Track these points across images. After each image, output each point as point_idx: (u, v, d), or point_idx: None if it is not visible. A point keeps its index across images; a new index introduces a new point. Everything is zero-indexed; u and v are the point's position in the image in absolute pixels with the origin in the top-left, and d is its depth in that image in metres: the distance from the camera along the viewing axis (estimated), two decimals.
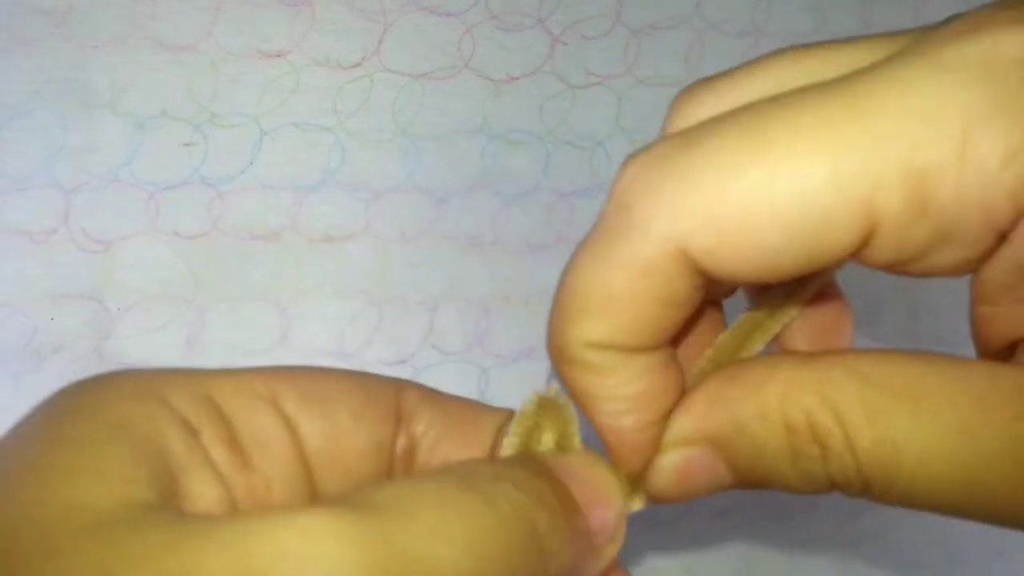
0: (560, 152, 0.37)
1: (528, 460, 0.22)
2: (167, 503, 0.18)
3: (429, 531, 0.17)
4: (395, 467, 0.23)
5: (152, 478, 0.18)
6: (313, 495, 0.21)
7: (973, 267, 0.20)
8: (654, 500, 0.23)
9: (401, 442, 0.23)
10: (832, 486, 0.21)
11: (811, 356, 0.21)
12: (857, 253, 0.20)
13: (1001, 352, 0.21)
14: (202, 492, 0.19)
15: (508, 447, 0.23)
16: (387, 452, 0.23)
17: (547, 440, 0.24)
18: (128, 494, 0.17)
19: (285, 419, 0.21)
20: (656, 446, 0.22)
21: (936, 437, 0.19)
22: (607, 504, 0.22)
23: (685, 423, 0.22)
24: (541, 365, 0.37)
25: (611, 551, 0.22)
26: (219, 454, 0.20)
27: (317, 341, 0.34)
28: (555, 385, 0.24)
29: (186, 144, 0.33)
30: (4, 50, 0.31)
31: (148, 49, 0.32)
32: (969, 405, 0.19)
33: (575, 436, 0.24)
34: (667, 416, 0.22)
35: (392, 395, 0.23)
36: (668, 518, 0.39)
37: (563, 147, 0.37)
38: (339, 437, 0.22)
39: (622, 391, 0.21)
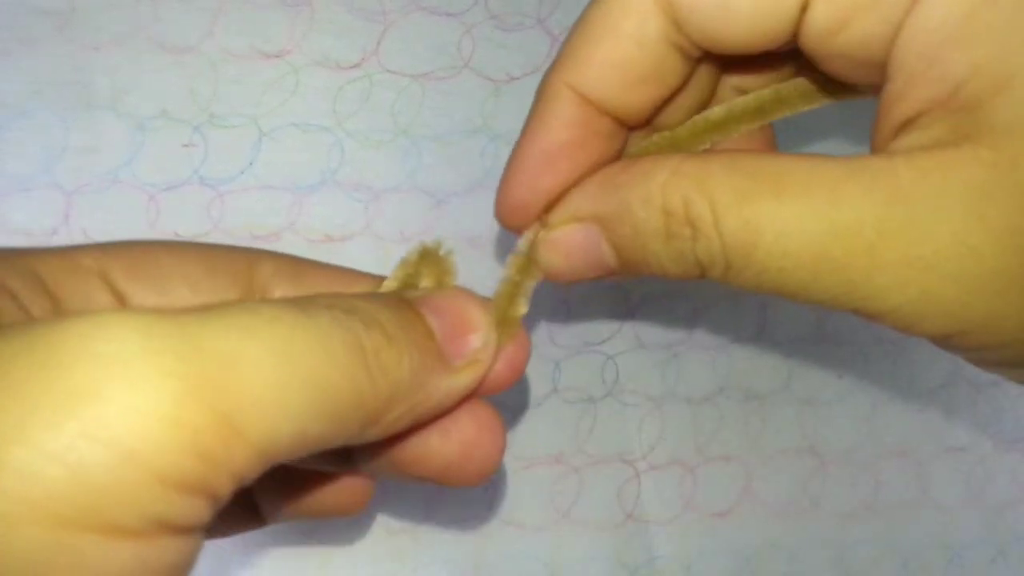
0: None
1: (378, 294, 0.23)
2: None
3: (233, 328, 0.16)
4: None
5: None
6: None
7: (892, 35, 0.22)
8: (547, 276, 0.25)
9: None
10: (700, 268, 0.23)
11: (699, 153, 0.24)
12: (800, 24, 0.22)
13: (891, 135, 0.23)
14: None
15: (382, 290, 0.24)
16: None
17: (425, 287, 0.25)
18: None
19: (114, 292, 0.21)
20: (541, 214, 0.25)
21: (792, 217, 0.20)
22: (467, 328, 0.22)
23: (577, 201, 0.24)
24: (541, 365, 0.37)
25: (468, 374, 0.22)
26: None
27: None
28: (440, 239, 0.25)
29: (186, 145, 0.33)
30: (6, 51, 0.31)
31: (149, 50, 0.32)
32: (825, 189, 0.20)
33: (449, 284, 0.25)
34: (565, 191, 0.24)
35: (242, 266, 0.23)
36: (668, 517, 0.39)
37: None
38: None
39: (561, 135, 0.24)
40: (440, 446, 0.23)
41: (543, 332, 0.37)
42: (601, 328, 0.38)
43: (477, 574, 0.36)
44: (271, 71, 0.34)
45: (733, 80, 0.27)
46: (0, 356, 0.15)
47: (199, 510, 0.16)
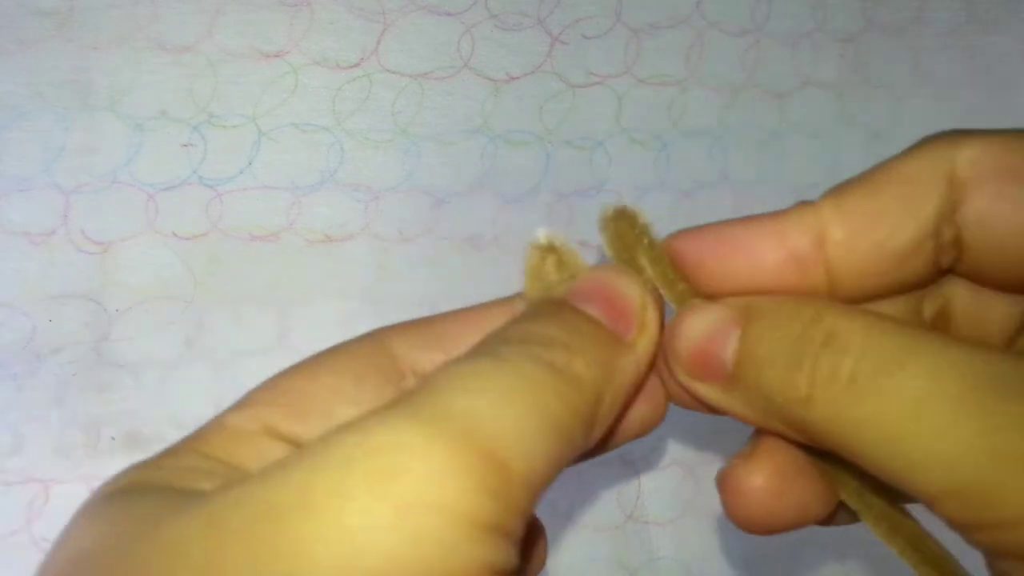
0: (560, 152, 0.37)
1: (534, 310, 0.23)
2: None
3: (459, 391, 0.19)
4: None
5: None
6: None
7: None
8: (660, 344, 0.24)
9: (411, 384, 0.24)
10: (781, 422, 0.22)
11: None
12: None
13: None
14: None
15: (528, 302, 0.25)
16: None
17: (562, 280, 0.25)
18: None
19: (286, 440, 0.22)
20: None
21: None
22: (621, 300, 0.23)
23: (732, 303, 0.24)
24: None
25: (645, 340, 0.23)
26: None
27: (316, 341, 0.34)
28: (543, 231, 0.25)
29: (185, 145, 0.33)
30: (5, 51, 0.31)
31: (148, 50, 0.32)
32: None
33: (583, 268, 0.25)
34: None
35: (380, 355, 0.24)
36: (668, 517, 0.39)
37: (563, 147, 0.37)
38: None
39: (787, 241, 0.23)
40: (636, 412, 0.25)
41: None
42: None
43: None
44: (270, 71, 0.34)
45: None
46: (325, 463, 0.17)
47: (508, 550, 0.18)
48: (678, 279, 0.24)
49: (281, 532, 0.16)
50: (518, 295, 0.25)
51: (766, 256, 0.23)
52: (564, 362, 0.20)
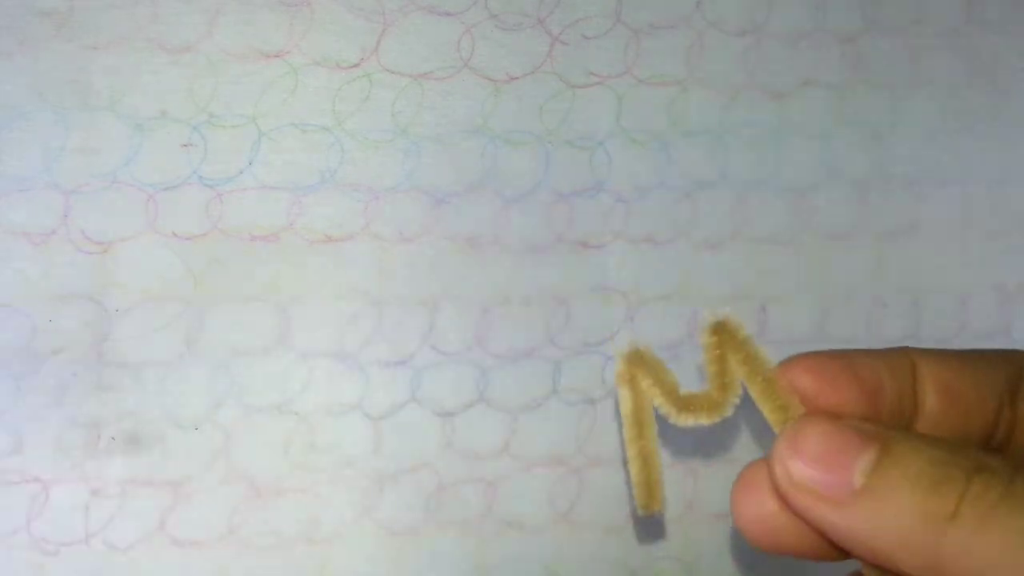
0: (560, 152, 0.37)
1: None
2: None
3: None
4: None
5: None
6: None
7: None
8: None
9: None
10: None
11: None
12: None
13: None
14: None
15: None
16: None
17: (656, 398, 0.26)
18: None
19: None
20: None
21: None
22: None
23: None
24: (541, 365, 0.37)
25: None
26: None
27: (316, 341, 0.34)
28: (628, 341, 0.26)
29: (185, 145, 0.33)
30: (5, 51, 0.31)
31: (148, 50, 0.32)
32: None
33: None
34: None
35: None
36: (668, 518, 0.39)
37: (563, 147, 0.37)
38: None
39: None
40: None
41: (543, 332, 0.37)
42: (601, 328, 0.37)
43: (477, 575, 0.36)
44: (270, 71, 0.34)
45: None
46: None
47: None
48: (782, 399, 0.25)
49: None
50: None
51: (885, 388, 0.24)
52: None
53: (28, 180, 0.31)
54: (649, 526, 0.38)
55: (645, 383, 0.26)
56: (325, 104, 0.34)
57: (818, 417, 0.24)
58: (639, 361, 0.26)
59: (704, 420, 0.26)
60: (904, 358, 0.25)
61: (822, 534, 0.23)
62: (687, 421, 0.26)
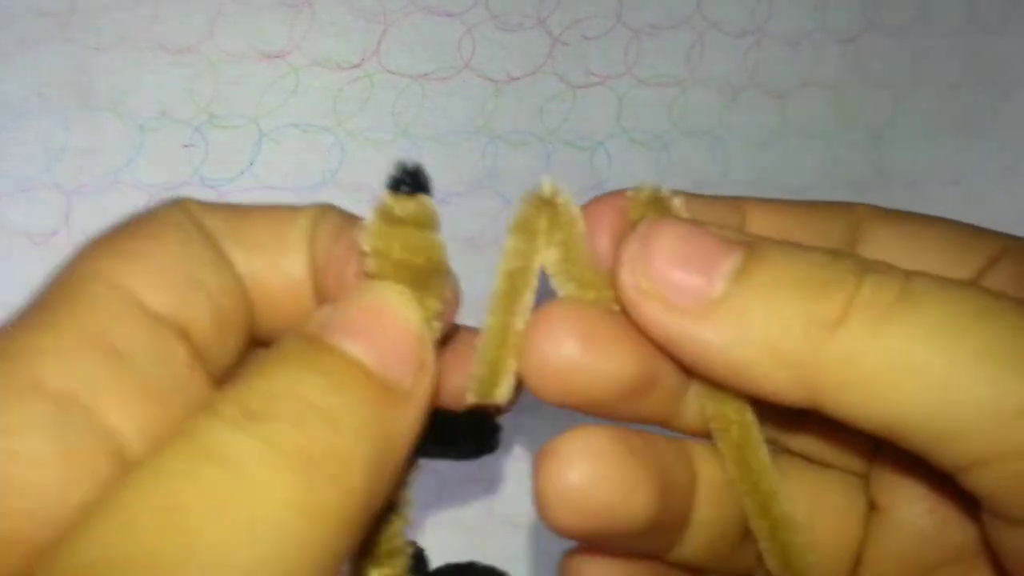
0: (560, 152, 0.37)
1: (290, 346, 0.18)
2: None
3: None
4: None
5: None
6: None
7: None
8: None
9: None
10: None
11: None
12: None
13: None
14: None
15: (500, 286, 0.21)
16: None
17: (550, 257, 0.20)
18: None
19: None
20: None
21: None
22: (395, 330, 0.19)
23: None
24: None
25: (422, 386, 0.19)
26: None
27: None
28: (548, 180, 0.20)
29: (186, 145, 0.33)
30: (6, 52, 0.31)
31: (149, 51, 0.32)
32: None
33: (577, 236, 0.20)
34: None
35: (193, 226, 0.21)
36: None
37: (563, 147, 0.37)
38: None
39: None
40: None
41: None
42: None
43: None
44: (271, 71, 0.34)
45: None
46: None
47: None
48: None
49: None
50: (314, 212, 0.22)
51: None
52: (322, 450, 0.16)
53: (29, 180, 0.31)
54: None
55: (544, 239, 0.20)
56: (326, 105, 0.34)
57: (673, 219, 0.20)
58: (549, 210, 0.20)
59: (589, 297, 0.20)
60: (735, 209, 0.22)
61: (667, 352, 0.20)
62: (575, 295, 0.20)
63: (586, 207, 0.21)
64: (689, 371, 0.21)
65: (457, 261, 0.37)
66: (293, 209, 0.22)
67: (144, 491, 0.15)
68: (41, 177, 0.32)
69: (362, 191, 0.35)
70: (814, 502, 0.23)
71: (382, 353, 0.18)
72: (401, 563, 0.22)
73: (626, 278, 0.20)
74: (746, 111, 0.39)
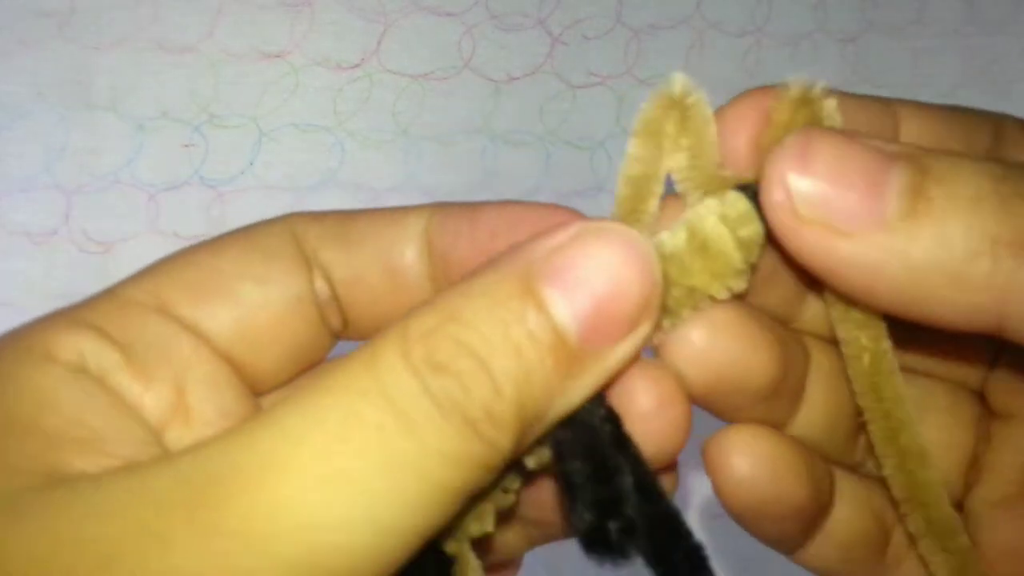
0: (560, 152, 0.37)
1: (489, 285, 0.17)
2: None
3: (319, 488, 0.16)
4: (328, 314, 0.21)
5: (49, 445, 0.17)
6: (238, 387, 0.20)
7: None
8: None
9: (320, 286, 0.21)
10: None
11: None
12: None
13: None
14: (118, 431, 0.18)
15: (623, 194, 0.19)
16: (309, 303, 0.21)
17: (677, 162, 0.19)
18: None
19: (181, 322, 0.19)
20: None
21: None
22: (618, 300, 0.17)
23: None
24: None
25: (623, 349, 0.17)
26: (119, 380, 0.18)
27: None
28: (680, 77, 0.18)
29: (186, 145, 0.33)
30: (7, 52, 0.31)
31: (149, 51, 0.32)
32: None
33: (709, 143, 0.19)
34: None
35: (291, 243, 0.21)
36: None
37: (563, 147, 0.37)
38: (249, 317, 0.20)
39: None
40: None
41: None
42: None
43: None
44: (271, 71, 0.34)
45: None
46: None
47: None
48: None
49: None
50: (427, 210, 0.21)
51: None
52: (483, 412, 0.16)
53: (30, 180, 0.31)
54: None
55: (671, 142, 0.19)
56: (326, 104, 0.34)
57: (829, 130, 0.18)
58: (677, 111, 0.18)
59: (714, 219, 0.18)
60: (888, 112, 0.21)
61: (823, 282, 0.19)
62: (706, 209, 0.18)
63: (723, 108, 0.19)
64: (824, 291, 0.20)
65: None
66: (405, 210, 0.22)
67: (310, 419, 0.16)
68: (41, 176, 0.32)
69: (362, 191, 0.35)
70: (925, 415, 0.22)
71: (590, 318, 0.17)
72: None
73: (778, 197, 0.17)
74: None
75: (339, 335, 0.22)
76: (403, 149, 0.35)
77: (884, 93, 0.43)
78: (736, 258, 0.18)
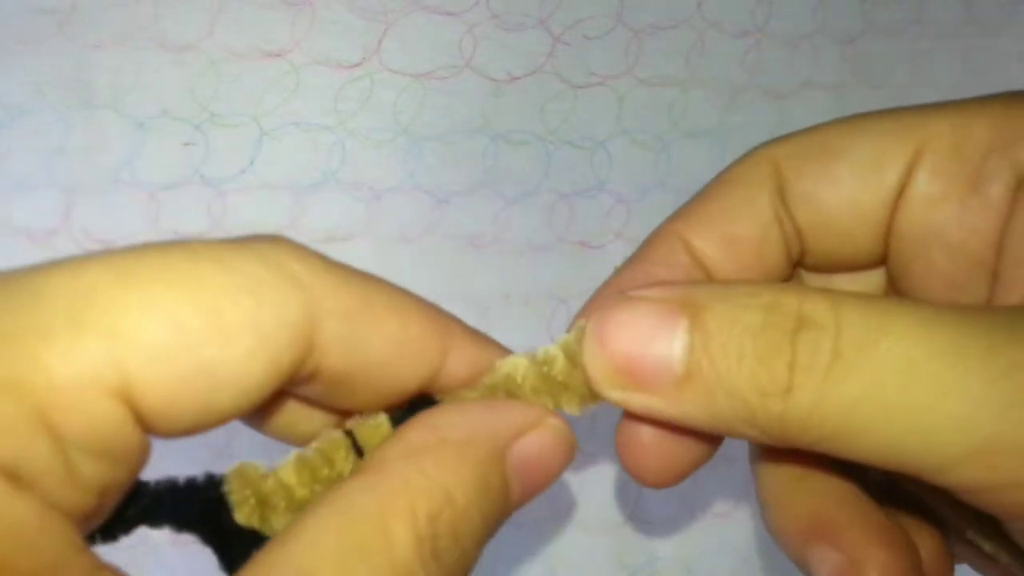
0: (561, 152, 0.37)
1: (465, 457, 0.20)
2: None
3: None
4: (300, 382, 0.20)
5: None
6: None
7: None
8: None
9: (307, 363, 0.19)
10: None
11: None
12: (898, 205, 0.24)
13: None
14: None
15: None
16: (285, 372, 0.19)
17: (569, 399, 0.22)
18: None
19: (139, 417, 0.17)
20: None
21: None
22: (549, 476, 0.21)
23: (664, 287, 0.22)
24: None
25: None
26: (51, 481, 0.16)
27: None
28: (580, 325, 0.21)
29: (187, 144, 0.33)
30: (7, 50, 0.31)
31: (149, 49, 0.32)
32: None
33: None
34: None
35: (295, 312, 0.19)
36: (668, 518, 0.39)
37: (564, 147, 0.37)
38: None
39: (658, 272, 0.25)
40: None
41: (543, 332, 0.37)
42: None
43: (476, 574, 0.36)
44: (272, 70, 0.34)
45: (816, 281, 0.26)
46: None
47: None
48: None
49: None
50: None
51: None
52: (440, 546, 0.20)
53: (30, 179, 0.31)
54: (648, 526, 0.39)
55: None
56: (327, 103, 0.34)
57: (617, 300, 0.21)
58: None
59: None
60: (910, 132, 0.25)
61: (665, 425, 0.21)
62: None
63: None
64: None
65: (457, 260, 0.37)
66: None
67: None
68: (41, 175, 0.32)
69: (362, 190, 0.35)
70: None
71: (526, 485, 0.21)
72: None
73: (595, 375, 0.21)
74: (746, 111, 0.39)
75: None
76: (404, 148, 0.35)
77: (884, 93, 0.44)
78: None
